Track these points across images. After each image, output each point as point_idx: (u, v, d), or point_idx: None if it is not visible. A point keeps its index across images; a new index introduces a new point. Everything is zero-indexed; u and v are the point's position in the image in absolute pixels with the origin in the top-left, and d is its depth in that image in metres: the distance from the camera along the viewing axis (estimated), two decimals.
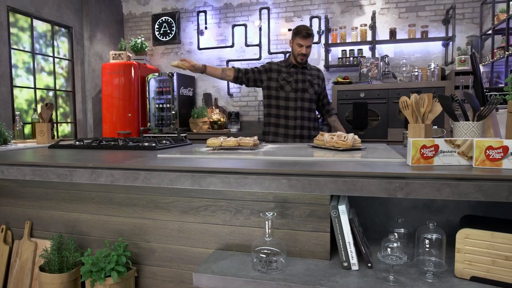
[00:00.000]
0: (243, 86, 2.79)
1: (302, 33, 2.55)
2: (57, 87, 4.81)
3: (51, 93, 4.73)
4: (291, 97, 2.62)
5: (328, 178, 1.05)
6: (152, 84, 5.14)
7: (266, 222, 1.20)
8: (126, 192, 1.54)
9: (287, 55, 2.73)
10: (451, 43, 4.34)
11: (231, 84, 5.27)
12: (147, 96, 5.09)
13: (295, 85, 2.62)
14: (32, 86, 4.43)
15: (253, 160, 1.34)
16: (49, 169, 1.37)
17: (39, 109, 2.41)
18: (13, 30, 4.13)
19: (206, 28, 5.30)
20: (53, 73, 4.74)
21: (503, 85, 3.69)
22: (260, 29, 5.07)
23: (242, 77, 2.66)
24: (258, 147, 1.78)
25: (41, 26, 4.53)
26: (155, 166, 1.24)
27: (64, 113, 4.98)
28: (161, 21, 5.50)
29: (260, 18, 5.05)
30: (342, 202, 1.22)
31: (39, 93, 4.53)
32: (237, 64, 5.21)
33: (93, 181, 1.30)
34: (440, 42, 4.48)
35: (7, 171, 1.44)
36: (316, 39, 4.86)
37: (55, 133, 4.44)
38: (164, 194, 1.48)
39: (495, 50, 3.75)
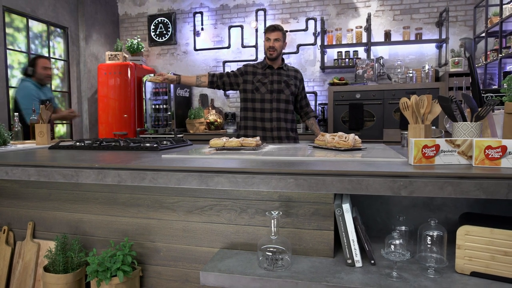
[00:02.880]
0: (221, 90, 2.88)
1: (269, 28, 2.62)
2: (53, 88, 4.78)
3: None
4: (267, 99, 2.60)
5: (334, 178, 1.08)
6: (149, 85, 5.13)
7: (272, 221, 1.23)
8: (130, 192, 1.55)
9: (263, 57, 2.76)
10: (444, 45, 4.42)
11: None
12: (144, 97, 5.09)
13: (271, 86, 2.60)
14: None
15: (258, 160, 1.37)
16: (54, 170, 1.38)
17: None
18: (8, 30, 4.10)
19: (202, 29, 5.31)
20: None
21: (496, 87, 3.77)
22: (257, 30, 5.10)
23: (217, 81, 2.68)
24: (260, 148, 1.80)
25: (36, 27, 4.51)
26: (163, 166, 1.26)
27: None
28: (157, 22, 5.49)
29: (257, 20, 5.08)
30: (346, 201, 1.25)
31: None
32: (233, 65, 5.24)
33: (100, 181, 1.32)
34: (433, 44, 4.56)
35: (12, 172, 1.44)
36: (312, 40, 4.91)
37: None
38: (169, 194, 1.50)
39: (488, 52, 3.82)
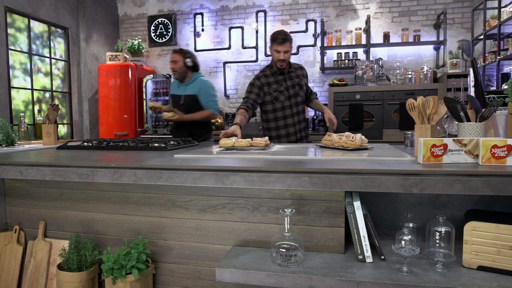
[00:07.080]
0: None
1: (278, 40, 2.50)
2: (54, 88, 4.79)
3: (47, 94, 4.70)
4: (287, 105, 2.62)
5: (348, 176, 1.12)
6: (149, 86, 5.15)
7: (285, 219, 1.26)
8: (143, 191, 1.58)
9: (269, 61, 2.72)
10: (442, 46, 4.49)
11: (228, 86, 5.32)
12: (144, 98, 5.11)
13: (287, 92, 2.62)
14: (29, 87, 4.40)
15: (269, 160, 1.40)
16: (70, 169, 1.40)
17: (43, 111, 2.42)
18: (10, 30, 4.10)
19: (202, 30, 5.34)
20: (49, 74, 4.71)
21: (494, 88, 3.84)
22: (257, 31, 5.14)
23: (254, 111, 2.60)
24: (269, 147, 1.84)
25: (37, 27, 4.51)
26: (179, 166, 1.29)
27: (60, 114, 4.95)
28: (157, 23, 5.51)
29: (257, 21, 5.12)
30: (356, 198, 1.29)
31: (35, 94, 4.50)
32: (233, 66, 5.27)
33: (116, 180, 1.35)
34: (431, 46, 4.63)
35: (26, 172, 1.46)
36: (311, 41, 4.96)
37: None
38: (182, 193, 1.53)
39: (487, 54, 3.90)
